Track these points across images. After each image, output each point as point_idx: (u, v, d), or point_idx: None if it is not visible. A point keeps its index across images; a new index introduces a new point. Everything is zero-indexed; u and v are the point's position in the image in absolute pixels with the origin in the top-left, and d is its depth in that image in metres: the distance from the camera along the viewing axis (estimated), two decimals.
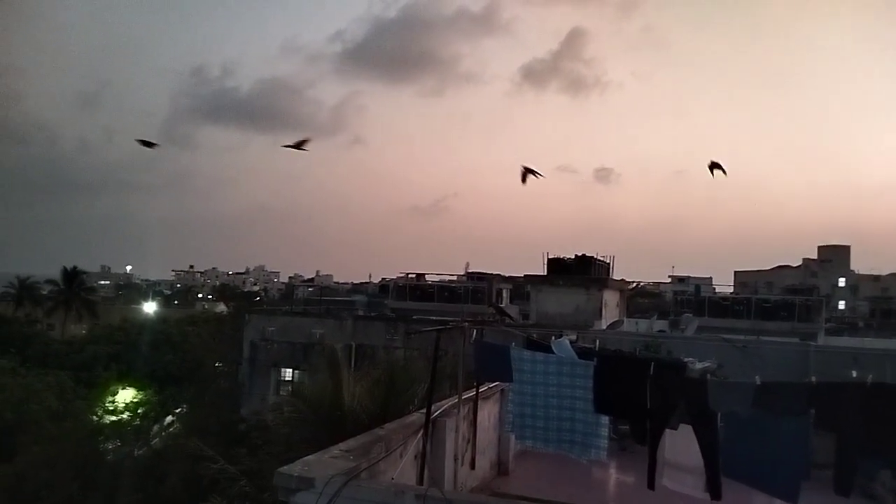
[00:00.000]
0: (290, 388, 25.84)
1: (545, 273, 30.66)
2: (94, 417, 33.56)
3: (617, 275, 33.26)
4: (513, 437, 8.67)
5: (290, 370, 28.30)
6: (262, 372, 28.97)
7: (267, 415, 18.46)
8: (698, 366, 6.46)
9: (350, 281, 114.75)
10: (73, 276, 71.71)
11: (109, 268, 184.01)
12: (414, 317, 31.24)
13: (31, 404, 26.86)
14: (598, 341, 13.58)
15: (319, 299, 51.63)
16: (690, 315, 34.58)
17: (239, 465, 12.65)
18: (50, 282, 73.28)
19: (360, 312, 38.36)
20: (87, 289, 75.04)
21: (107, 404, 31.92)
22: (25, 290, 71.64)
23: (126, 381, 35.91)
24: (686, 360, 6.64)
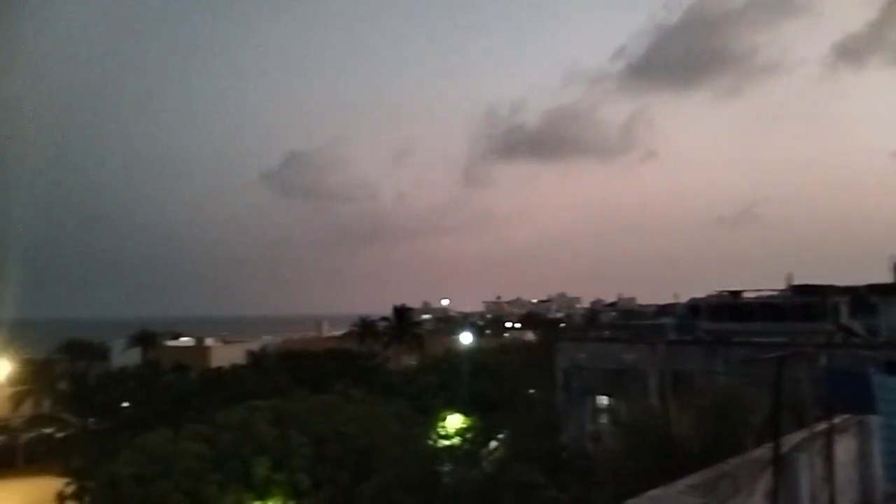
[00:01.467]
0: (605, 415, 25.66)
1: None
2: (430, 442, 37.05)
3: None
4: (880, 476, 7.47)
5: (604, 397, 28.10)
6: (577, 399, 29.20)
7: (587, 443, 18.51)
8: None
9: (655, 302, 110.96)
10: (402, 313, 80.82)
11: (429, 303, 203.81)
12: (734, 339, 28.95)
13: (379, 430, 30.49)
14: None
15: (626, 324, 50.73)
16: None
17: (567, 493, 12.84)
18: (384, 318, 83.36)
19: (672, 336, 36.74)
20: (414, 323, 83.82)
21: (439, 429, 34.92)
22: (366, 327, 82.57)
23: (452, 408, 39.00)
24: None
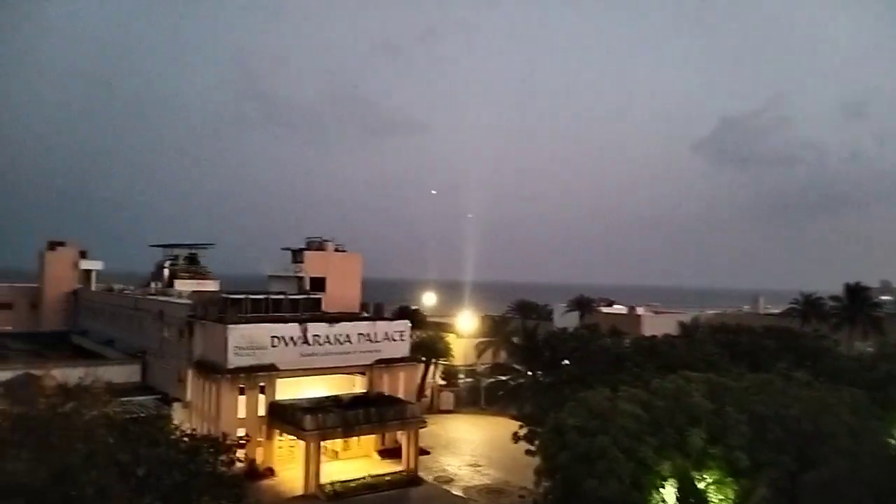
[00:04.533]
0: None
1: None
2: (892, 440, 31.91)
3: None
4: None
5: None
6: None
7: None
8: None
9: None
10: (856, 292, 70.65)
11: (890, 282, 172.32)
12: None
13: (827, 417, 27.56)
14: None
15: None
16: None
17: None
18: (833, 298, 73.98)
19: None
20: (870, 304, 72.53)
21: None
22: (810, 305, 74.46)
23: None
24: None
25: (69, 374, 35.44)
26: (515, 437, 33.39)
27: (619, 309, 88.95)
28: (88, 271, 75.70)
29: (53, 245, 75.39)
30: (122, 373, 46.91)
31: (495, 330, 64.91)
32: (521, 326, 62.88)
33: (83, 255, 76.18)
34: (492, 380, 58.64)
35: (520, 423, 35.57)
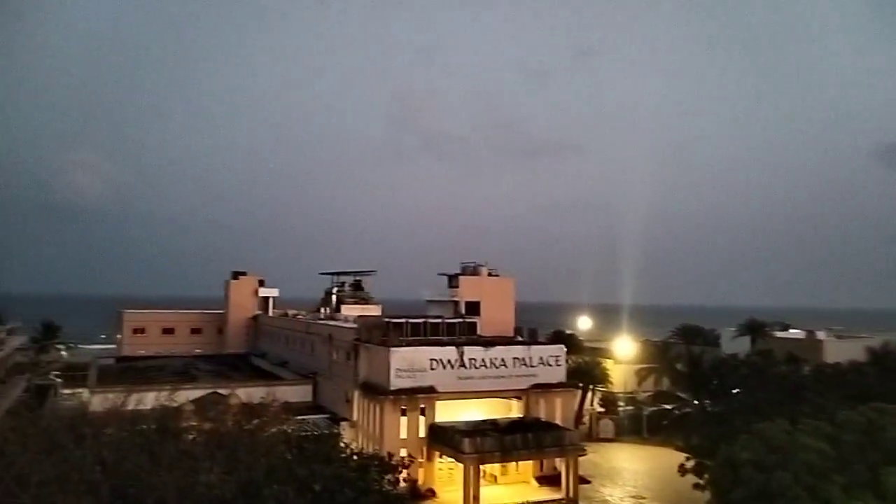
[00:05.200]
0: None
1: None
2: None
3: None
4: None
5: None
6: None
7: None
8: None
9: None
10: None
11: None
12: None
13: None
14: None
15: None
16: None
17: None
18: None
19: None
20: None
21: None
22: None
23: None
24: None
25: (251, 393, 38.71)
26: (682, 470, 31.95)
27: (795, 333, 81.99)
28: (266, 298, 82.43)
29: (236, 275, 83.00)
30: (295, 393, 50.28)
31: (657, 356, 62.37)
32: (685, 352, 59.94)
33: (261, 283, 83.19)
34: (654, 408, 56.30)
35: (686, 454, 33.99)
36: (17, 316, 61.38)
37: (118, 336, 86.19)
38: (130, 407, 23.91)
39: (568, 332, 70.37)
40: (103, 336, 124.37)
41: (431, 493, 39.50)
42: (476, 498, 36.51)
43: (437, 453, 40.41)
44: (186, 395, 40.18)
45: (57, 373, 68.76)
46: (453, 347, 42.78)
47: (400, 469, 23.71)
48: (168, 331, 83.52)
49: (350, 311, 66.55)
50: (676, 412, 49.45)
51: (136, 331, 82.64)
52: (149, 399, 25.69)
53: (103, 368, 63.34)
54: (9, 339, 44.97)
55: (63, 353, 77.30)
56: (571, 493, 38.73)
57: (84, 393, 48.98)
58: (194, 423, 25.14)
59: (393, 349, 41.25)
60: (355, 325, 50.17)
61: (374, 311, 67.79)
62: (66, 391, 62.92)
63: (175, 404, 27.19)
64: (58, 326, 76.51)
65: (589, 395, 58.05)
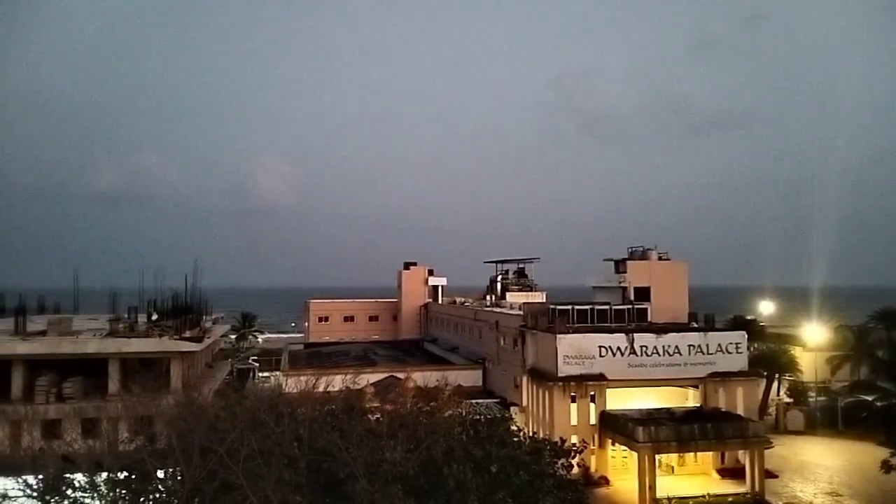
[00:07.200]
0: None
1: None
2: None
3: None
4: None
5: None
6: None
7: None
8: None
9: None
10: None
11: None
12: None
13: None
14: None
15: None
16: None
17: None
18: None
19: None
20: None
21: None
22: None
23: None
24: None
25: (425, 376, 40.59)
26: (885, 466, 29.71)
27: None
28: (435, 287, 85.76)
29: (408, 265, 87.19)
30: (467, 377, 51.91)
31: (853, 342, 56.93)
32: (886, 338, 54.24)
33: (431, 273, 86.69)
34: (851, 399, 51.59)
35: (890, 450, 31.39)
36: (220, 308, 68.83)
37: (305, 324, 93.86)
38: (320, 389, 26.06)
39: (749, 317, 66.03)
40: (293, 324, 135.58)
41: (605, 481, 39.15)
42: (652, 488, 35.64)
43: (610, 441, 39.94)
44: (367, 378, 43.09)
45: (254, 358, 76.34)
46: (623, 334, 41.96)
47: (573, 454, 23.79)
48: (348, 318, 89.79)
49: (515, 298, 67.36)
50: (878, 404, 44.94)
51: (320, 319, 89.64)
52: (336, 381, 27.85)
53: (293, 353, 69.49)
54: (214, 328, 50.62)
55: (259, 339, 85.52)
56: (757, 488, 36.60)
57: (279, 375, 54.01)
58: (376, 405, 26.93)
59: (560, 336, 41.26)
60: (521, 313, 50.75)
61: (538, 297, 68.10)
62: (263, 374, 69.74)
63: (358, 387, 29.28)
64: (254, 316, 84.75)
65: (775, 384, 54.42)
